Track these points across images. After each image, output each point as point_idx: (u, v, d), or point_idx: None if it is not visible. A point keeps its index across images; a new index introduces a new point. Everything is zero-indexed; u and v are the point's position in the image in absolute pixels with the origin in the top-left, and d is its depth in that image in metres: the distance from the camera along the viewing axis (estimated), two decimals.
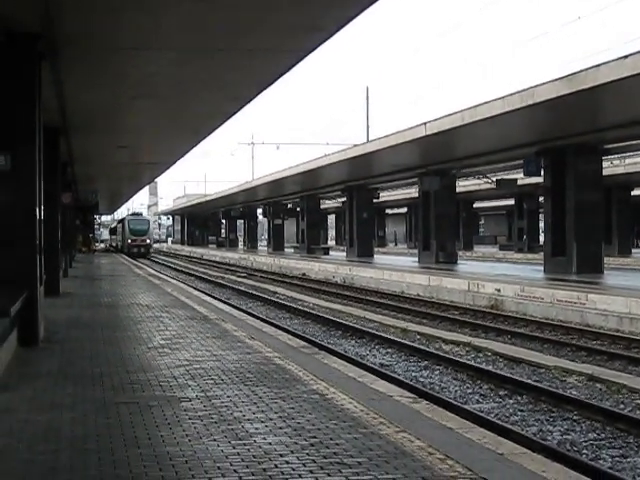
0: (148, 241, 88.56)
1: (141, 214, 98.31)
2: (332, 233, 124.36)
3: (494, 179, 47.43)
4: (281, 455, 7.00)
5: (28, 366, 12.05)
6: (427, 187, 44.41)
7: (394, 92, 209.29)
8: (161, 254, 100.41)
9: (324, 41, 14.33)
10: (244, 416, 8.49)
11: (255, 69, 16.72)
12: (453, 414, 9.29)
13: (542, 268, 35.85)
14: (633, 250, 61.22)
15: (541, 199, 49.14)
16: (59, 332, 15.96)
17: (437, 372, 16.03)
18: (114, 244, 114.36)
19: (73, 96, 19.70)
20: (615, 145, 35.27)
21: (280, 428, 7.97)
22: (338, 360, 13.08)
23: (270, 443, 7.41)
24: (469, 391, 14.20)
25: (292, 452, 7.11)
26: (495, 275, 33.22)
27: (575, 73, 23.27)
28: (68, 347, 14.04)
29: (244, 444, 7.38)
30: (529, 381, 14.40)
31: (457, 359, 16.92)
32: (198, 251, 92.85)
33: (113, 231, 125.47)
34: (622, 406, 12.72)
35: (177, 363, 11.97)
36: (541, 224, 59.47)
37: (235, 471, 6.53)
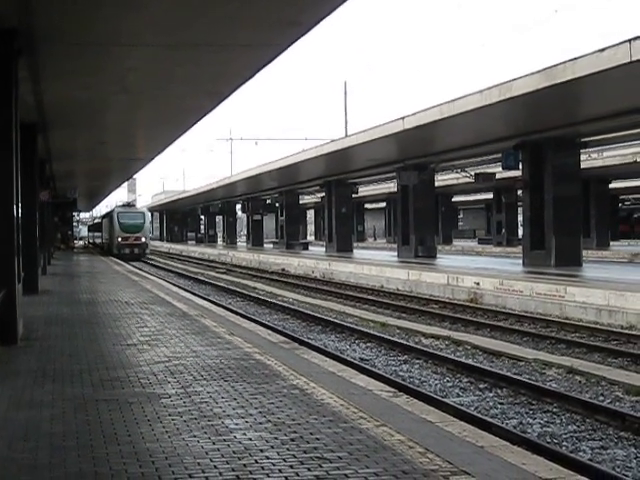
0: (143, 239, 69.34)
1: (134, 205, 78.69)
2: (311, 228, 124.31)
3: (473, 173, 47.52)
4: (261, 450, 7.00)
5: (7, 364, 12.01)
6: (406, 181, 44.44)
7: (373, 86, 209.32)
8: None
9: (302, 35, 14.31)
10: (224, 412, 8.49)
11: (233, 64, 16.70)
12: (433, 408, 9.31)
13: (521, 261, 36.01)
14: (611, 243, 61.40)
15: (519, 192, 49.27)
16: (38, 330, 15.91)
17: (417, 366, 16.06)
18: (96, 241, 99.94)
19: (50, 92, 19.60)
20: (593, 138, 35.40)
21: (260, 423, 7.97)
22: (318, 355, 13.11)
23: (250, 439, 7.40)
24: (449, 385, 14.23)
25: (272, 447, 7.10)
26: (474, 269, 33.30)
27: (552, 66, 23.34)
28: (47, 345, 13.98)
29: (224, 440, 7.37)
30: (509, 374, 14.44)
31: (437, 353, 16.95)
32: (177, 247, 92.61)
33: (94, 227, 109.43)
34: (601, 398, 12.77)
35: (157, 360, 11.95)
36: (520, 217, 59.65)
37: (215, 467, 6.52)
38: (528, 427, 11.18)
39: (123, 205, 75.60)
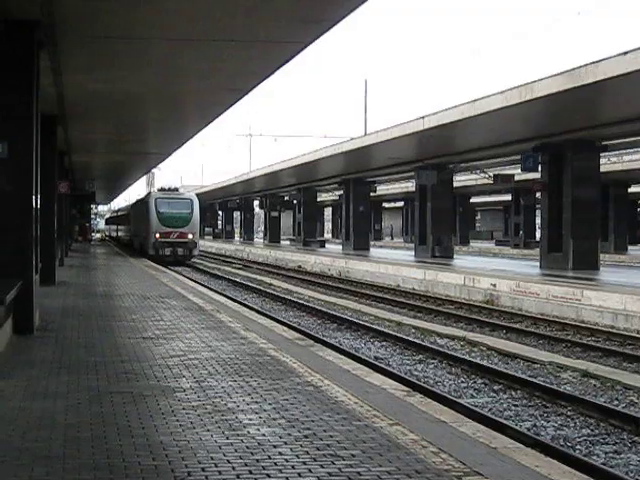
0: (191, 236, 50.63)
1: (177, 189, 55.77)
2: (328, 226, 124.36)
3: (491, 174, 47.42)
4: (274, 446, 7.00)
5: (23, 354, 12.05)
6: (424, 181, 44.39)
7: (393, 85, 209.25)
8: None
9: (324, 32, 14.27)
10: (238, 407, 8.49)
11: (254, 60, 16.69)
12: (447, 408, 9.29)
13: (538, 264, 35.91)
14: (629, 247, 61.18)
15: (538, 195, 49.13)
16: (54, 321, 15.97)
17: (432, 366, 16.04)
18: (120, 236, 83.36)
19: (71, 85, 19.65)
20: (613, 142, 35.24)
21: (274, 419, 7.97)
22: (333, 353, 13.11)
23: (264, 434, 7.40)
24: (463, 385, 14.21)
25: (285, 443, 7.10)
26: (491, 270, 33.23)
27: (575, 69, 23.26)
28: (63, 336, 14.03)
29: (237, 435, 7.37)
30: (523, 376, 14.41)
31: (452, 353, 16.93)
32: None
33: (115, 220, 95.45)
34: (616, 402, 12.74)
35: (172, 353, 11.97)
36: (537, 220, 59.51)
37: (228, 462, 6.53)
38: (542, 430, 11.16)
39: (163, 189, 54.95)
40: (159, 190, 54.93)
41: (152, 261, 43.62)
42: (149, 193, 56.57)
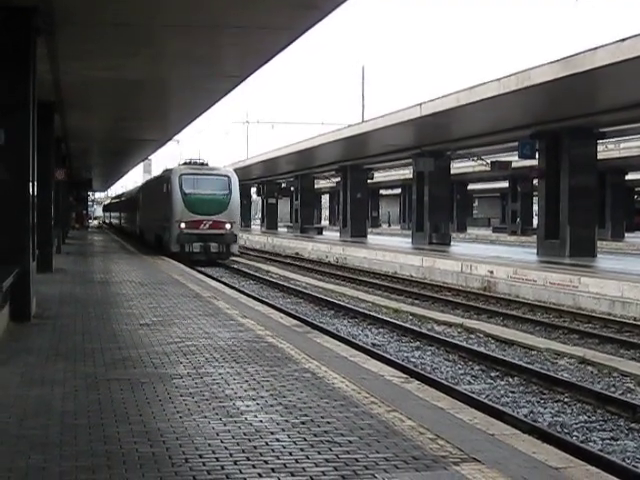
0: (229, 226, 38.63)
1: (207, 164, 41.64)
2: (326, 213, 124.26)
3: (489, 161, 47.37)
4: (272, 433, 7.00)
5: (20, 341, 12.04)
6: (421, 168, 44.39)
7: (391, 71, 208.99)
8: None
9: (320, 19, 14.25)
10: (235, 393, 8.49)
11: (251, 47, 16.64)
12: (444, 394, 9.29)
13: (535, 251, 35.89)
14: (626, 234, 61.21)
15: (535, 182, 49.14)
16: (51, 308, 15.95)
17: (429, 353, 16.03)
18: (121, 224, 73.24)
19: (69, 72, 19.60)
20: (610, 129, 35.21)
21: (271, 406, 7.97)
22: (330, 339, 13.11)
23: (261, 421, 7.40)
24: (460, 372, 14.21)
25: (283, 430, 7.11)
26: (488, 257, 33.21)
27: (572, 56, 23.21)
28: (60, 323, 14.02)
29: (235, 421, 7.38)
30: (521, 363, 14.41)
31: (449, 340, 16.92)
32: None
33: (116, 206, 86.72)
34: (613, 389, 12.75)
35: (169, 340, 11.96)
36: (535, 207, 59.53)
37: (226, 448, 6.53)
38: (539, 416, 11.17)
39: (187, 163, 41.63)
40: (184, 164, 41.52)
41: (175, 260, 33.62)
42: (170, 170, 41.61)
